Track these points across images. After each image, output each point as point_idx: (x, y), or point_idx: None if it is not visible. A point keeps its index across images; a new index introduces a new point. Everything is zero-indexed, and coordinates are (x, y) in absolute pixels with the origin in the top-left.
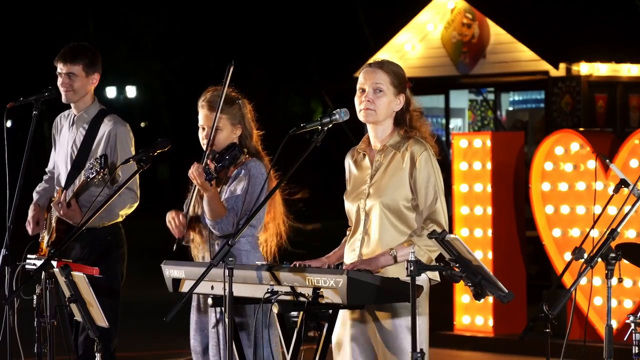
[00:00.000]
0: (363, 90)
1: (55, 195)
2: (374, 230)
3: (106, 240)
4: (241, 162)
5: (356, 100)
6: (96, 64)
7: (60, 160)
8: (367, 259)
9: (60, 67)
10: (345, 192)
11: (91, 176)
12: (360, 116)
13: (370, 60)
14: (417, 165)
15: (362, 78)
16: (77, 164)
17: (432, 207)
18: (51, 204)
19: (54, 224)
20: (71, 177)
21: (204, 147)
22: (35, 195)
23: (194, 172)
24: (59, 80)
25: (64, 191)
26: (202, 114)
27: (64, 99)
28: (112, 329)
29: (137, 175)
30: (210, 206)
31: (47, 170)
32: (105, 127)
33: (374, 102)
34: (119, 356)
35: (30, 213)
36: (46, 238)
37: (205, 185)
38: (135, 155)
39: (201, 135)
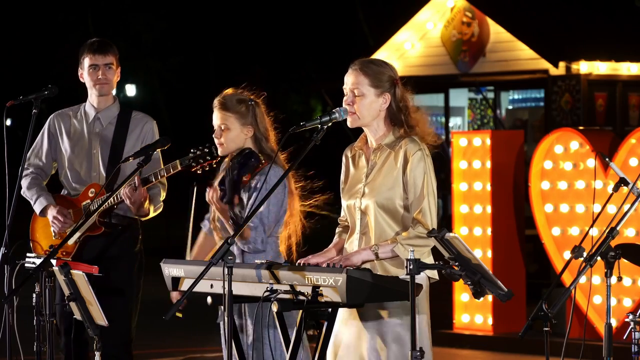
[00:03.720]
0: (346, 93)
1: (72, 192)
2: (370, 229)
3: (124, 238)
4: (259, 169)
5: (343, 101)
6: (118, 57)
7: (77, 158)
8: (348, 254)
9: (97, 59)
10: (342, 190)
11: (194, 164)
12: (347, 122)
13: (355, 61)
14: (409, 164)
15: (344, 80)
16: (114, 159)
17: (419, 206)
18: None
19: (95, 219)
20: (111, 171)
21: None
22: (38, 196)
23: (211, 199)
24: (95, 74)
25: (136, 176)
26: (215, 113)
27: (98, 94)
28: (128, 332)
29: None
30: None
31: (30, 168)
32: (138, 122)
33: (354, 106)
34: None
35: (67, 220)
36: (78, 233)
37: (225, 214)
38: (135, 153)
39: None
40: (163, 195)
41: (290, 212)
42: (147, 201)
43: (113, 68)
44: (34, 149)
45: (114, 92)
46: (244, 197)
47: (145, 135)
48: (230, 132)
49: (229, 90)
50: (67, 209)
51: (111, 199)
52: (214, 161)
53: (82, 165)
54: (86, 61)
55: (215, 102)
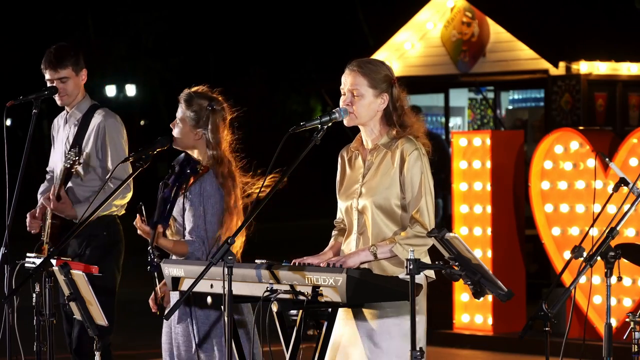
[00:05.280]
0: (344, 93)
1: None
2: (367, 229)
3: (102, 236)
4: (196, 177)
5: (340, 102)
6: (80, 59)
7: (56, 159)
8: (347, 254)
9: (51, 74)
10: (339, 191)
11: (68, 166)
12: (344, 121)
13: (352, 62)
14: (406, 164)
15: (342, 80)
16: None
17: (417, 206)
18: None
19: (49, 220)
20: (64, 173)
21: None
22: (40, 197)
23: (142, 234)
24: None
25: (53, 185)
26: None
27: (60, 104)
28: (109, 325)
29: (129, 164)
30: (172, 252)
31: (48, 170)
32: (95, 121)
33: (352, 106)
34: (118, 355)
35: (33, 221)
36: (44, 235)
37: (159, 242)
38: (135, 153)
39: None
40: (126, 196)
41: (229, 212)
42: (69, 207)
43: (70, 79)
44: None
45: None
46: (187, 204)
47: (97, 130)
48: (181, 129)
49: (199, 88)
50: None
51: (60, 172)
52: (164, 148)
53: (58, 165)
54: (44, 73)
55: (182, 95)
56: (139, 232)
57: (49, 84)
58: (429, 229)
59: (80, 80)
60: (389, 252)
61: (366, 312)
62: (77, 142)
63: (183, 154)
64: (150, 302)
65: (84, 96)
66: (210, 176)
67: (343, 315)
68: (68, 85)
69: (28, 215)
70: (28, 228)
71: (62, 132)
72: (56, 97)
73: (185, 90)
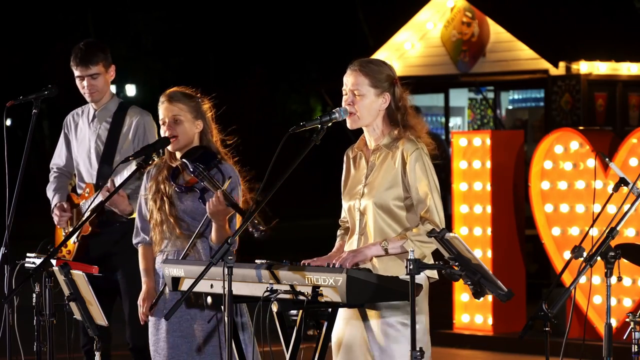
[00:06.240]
0: (346, 93)
1: (79, 190)
2: (369, 230)
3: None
4: (215, 165)
5: (342, 102)
6: (109, 55)
7: (81, 157)
8: (356, 249)
9: (81, 71)
10: (343, 191)
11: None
12: (347, 123)
13: (354, 62)
14: (408, 164)
15: (344, 81)
16: (106, 157)
17: (425, 206)
18: (74, 199)
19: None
20: (102, 170)
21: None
22: (53, 194)
23: (218, 206)
24: (81, 84)
25: (110, 179)
26: (162, 108)
27: (90, 100)
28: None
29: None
30: (221, 233)
31: (54, 167)
32: (131, 119)
33: (354, 106)
34: (119, 355)
35: (65, 214)
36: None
37: (227, 213)
38: (134, 154)
39: (163, 130)
40: None
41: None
42: (126, 200)
43: (100, 75)
44: (57, 149)
45: (113, 89)
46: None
47: (136, 129)
48: (183, 125)
49: (175, 88)
50: (72, 208)
51: (98, 199)
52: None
53: (84, 164)
54: (74, 70)
55: (163, 98)
56: (214, 205)
57: (78, 81)
58: (439, 227)
59: (109, 77)
60: (400, 247)
61: (371, 310)
62: (112, 141)
63: (184, 152)
64: (144, 301)
65: (112, 94)
66: (228, 165)
67: (347, 314)
68: (98, 82)
69: (56, 209)
70: (57, 222)
71: (86, 129)
72: (85, 94)
73: (166, 93)
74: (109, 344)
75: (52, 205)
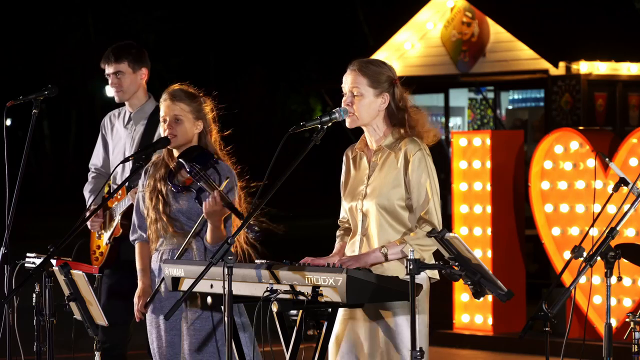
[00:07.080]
0: (345, 93)
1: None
2: (372, 231)
3: None
4: (211, 165)
5: (342, 102)
6: (142, 58)
7: (116, 159)
8: (356, 255)
9: (107, 68)
10: (343, 191)
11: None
12: (346, 122)
13: (353, 62)
14: (410, 164)
15: (343, 80)
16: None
17: (425, 207)
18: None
19: (118, 220)
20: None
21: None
22: (89, 196)
23: (214, 206)
24: (109, 82)
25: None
26: (164, 105)
27: (116, 99)
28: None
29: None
30: (216, 234)
31: (92, 167)
32: None
33: (353, 106)
34: (132, 354)
35: (97, 219)
36: (107, 234)
37: (223, 214)
38: (135, 153)
39: (163, 128)
40: None
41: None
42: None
43: (125, 75)
44: (95, 149)
45: (140, 93)
46: (193, 194)
47: None
48: (183, 124)
49: (177, 85)
50: (106, 210)
51: (127, 200)
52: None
53: (120, 166)
54: (104, 67)
55: (169, 94)
56: (211, 204)
57: (109, 80)
58: (438, 229)
59: (138, 78)
60: (400, 252)
61: (371, 310)
62: (145, 143)
63: (180, 151)
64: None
65: (148, 97)
66: (224, 164)
67: (347, 314)
68: (123, 81)
69: (98, 225)
70: (90, 227)
71: (122, 132)
72: (113, 92)
73: (170, 90)
74: (126, 343)
75: (87, 207)
